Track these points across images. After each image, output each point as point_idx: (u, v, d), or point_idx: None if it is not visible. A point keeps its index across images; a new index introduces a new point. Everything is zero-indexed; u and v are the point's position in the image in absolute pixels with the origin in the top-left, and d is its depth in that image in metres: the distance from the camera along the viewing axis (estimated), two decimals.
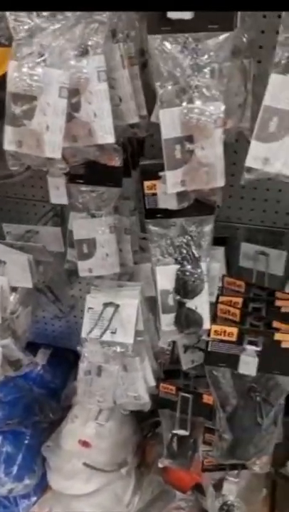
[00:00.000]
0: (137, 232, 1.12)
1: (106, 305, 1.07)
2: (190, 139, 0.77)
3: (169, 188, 0.80)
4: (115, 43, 0.81)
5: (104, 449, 1.34)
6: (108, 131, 0.79)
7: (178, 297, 0.94)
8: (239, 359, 0.93)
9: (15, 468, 1.39)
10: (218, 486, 1.14)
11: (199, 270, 0.93)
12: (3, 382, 1.30)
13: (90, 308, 1.09)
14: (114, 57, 0.81)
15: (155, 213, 0.92)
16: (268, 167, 0.74)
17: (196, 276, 0.93)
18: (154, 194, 0.90)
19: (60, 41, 0.76)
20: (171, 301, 0.95)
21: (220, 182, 0.79)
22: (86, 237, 1.02)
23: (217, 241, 1.02)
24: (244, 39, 0.83)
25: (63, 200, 0.99)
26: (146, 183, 0.89)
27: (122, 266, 1.07)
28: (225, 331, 0.93)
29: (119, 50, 0.81)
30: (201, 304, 0.94)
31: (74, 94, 0.78)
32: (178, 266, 0.94)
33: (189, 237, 0.93)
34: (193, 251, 0.93)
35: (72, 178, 0.98)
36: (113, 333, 1.06)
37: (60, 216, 1.28)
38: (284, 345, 0.91)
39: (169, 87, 0.76)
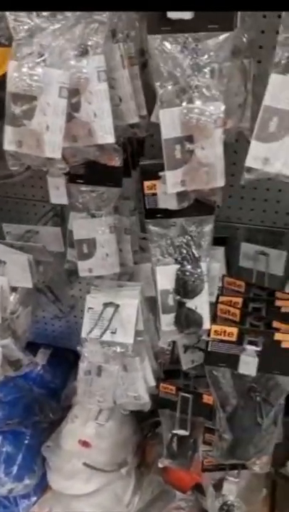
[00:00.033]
0: (137, 232, 1.13)
1: (106, 305, 1.07)
2: (190, 139, 0.77)
3: (169, 188, 0.80)
4: (115, 42, 0.81)
5: (104, 449, 1.34)
6: (108, 131, 0.79)
7: (178, 297, 0.94)
8: (239, 359, 0.93)
9: (15, 468, 1.39)
10: (218, 486, 1.14)
11: (199, 270, 0.93)
12: (3, 382, 1.30)
13: (90, 308, 1.09)
14: (114, 57, 0.81)
15: (155, 213, 0.92)
16: (268, 167, 0.74)
17: (196, 276, 0.93)
18: (154, 194, 0.90)
19: (60, 41, 0.76)
20: (171, 301, 0.95)
21: (220, 182, 0.79)
22: (86, 237, 1.02)
23: (217, 241, 1.01)
24: (244, 39, 0.83)
25: (63, 200, 0.99)
26: (147, 183, 0.89)
27: (122, 266, 1.07)
28: (225, 331, 0.93)
29: (119, 50, 0.81)
30: (201, 304, 0.94)
31: (74, 94, 0.78)
32: (178, 266, 0.94)
33: (189, 237, 0.93)
34: (193, 251, 0.93)
35: (72, 178, 0.98)
36: (113, 333, 1.06)
37: (60, 216, 1.28)
38: (284, 345, 0.91)
39: (169, 87, 0.76)
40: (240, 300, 0.99)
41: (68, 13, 0.75)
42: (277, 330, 0.93)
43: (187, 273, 0.93)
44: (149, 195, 0.90)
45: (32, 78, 0.76)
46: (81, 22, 0.75)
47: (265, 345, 0.91)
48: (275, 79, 0.71)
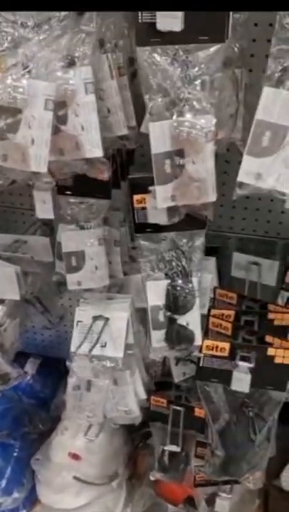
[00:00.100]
0: (127, 242, 1.10)
1: (95, 318, 1.05)
2: (180, 153, 0.75)
3: (159, 203, 0.78)
4: (103, 53, 0.78)
5: (95, 461, 1.31)
6: (96, 144, 0.77)
7: (169, 313, 0.92)
8: (232, 375, 0.91)
9: (3, 482, 1.36)
10: (210, 501, 1.12)
11: (190, 285, 0.91)
12: None
13: (79, 321, 1.06)
14: (103, 67, 0.79)
15: (145, 227, 0.90)
16: (260, 182, 0.72)
17: (187, 291, 0.91)
18: (144, 208, 0.88)
19: (46, 52, 0.73)
20: (161, 317, 0.93)
21: (212, 197, 0.77)
22: (75, 249, 1.00)
23: (208, 251, 1.00)
24: (235, 49, 0.81)
25: (50, 215, 0.96)
26: (136, 197, 0.87)
27: (111, 278, 1.05)
28: (217, 346, 0.91)
29: (108, 61, 0.79)
30: (192, 320, 0.92)
31: (61, 106, 0.75)
32: (168, 281, 0.92)
33: (180, 252, 0.91)
34: (184, 265, 0.91)
35: (60, 189, 0.96)
36: (103, 346, 1.04)
37: (48, 225, 1.26)
38: (277, 360, 0.90)
39: (159, 100, 0.74)
40: (232, 313, 0.98)
41: (54, 23, 0.72)
42: (270, 345, 0.92)
43: (178, 288, 0.91)
44: (138, 209, 0.88)
45: (17, 90, 0.73)
46: (67, 32, 0.73)
47: (257, 360, 0.89)
48: (267, 92, 0.69)
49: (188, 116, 0.74)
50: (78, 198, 0.97)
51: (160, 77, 0.72)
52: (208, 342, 0.91)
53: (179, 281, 0.91)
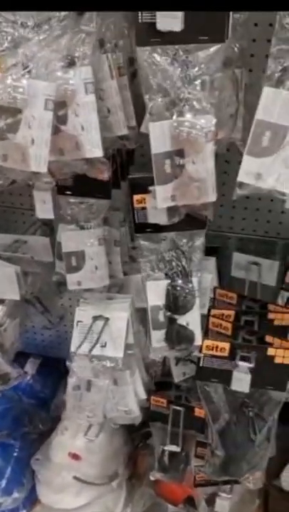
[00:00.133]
0: (127, 242, 1.10)
1: (95, 318, 1.05)
2: (180, 153, 0.75)
3: (159, 203, 0.78)
4: (103, 53, 0.78)
5: (95, 461, 1.31)
6: (96, 144, 0.77)
7: (169, 313, 0.92)
8: (232, 375, 0.91)
9: (3, 482, 1.36)
10: (210, 501, 1.12)
11: (190, 285, 0.91)
12: None
13: (79, 321, 1.06)
14: (103, 67, 0.79)
15: (145, 227, 0.90)
16: (260, 183, 0.72)
17: (187, 291, 0.91)
18: (144, 208, 0.88)
19: (46, 52, 0.73)
20: (161, 317, 0.93)
21: (212, 197, 0.77)
22: (75, 249, 1.00)
23: (208, 251, 1.00)
24: (235, 49, 0.81)
25: (50, 215, 0.96)
26: (136, 197, 0.87)
27: (111, 277, 1.05)
28: (217, 346, 0.91)
29: (108, 61, 0.79)
30: (192, 320, 0.92)
31: (61, 106, 0.75)
32: (168, 281, 0.92)
33: (180, 252, 0.91)
34: (184, 265, 0.91)
35: (60, 189, 0.95)
36: (103, 346, 1.04)
37: (49, 225, 1.25)
38: (277, 360, 0.89)
39: (159, 100, 0.74)
40: (232, 313, 0.98)
41: (54, 23, 0.72)
42: (270, 345, 0.91)
43: (178, 288, 0.91)
44: (138, 209, 0.88)
45: (17, 90, 0.73)
46: (67, 32, 0.73)
47: (258, 360, 0.89)
48: (267, 92, 0.69)
49: (188, 116, 0.74)
50: (78, 198, 0.97)
51: (160, 77, 0.72)
52: (208, 342, 0.91)
53: (179, 281, 0.91)
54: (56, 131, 0.76)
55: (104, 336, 1.04)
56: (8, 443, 1.41)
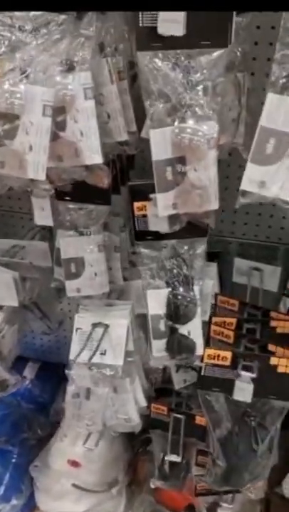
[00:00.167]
0: (127, 248, 1.09)
1: (95, 325, 1.03)
2: (182, 160, 0.73)
3: (160, 211, 0.77)
4: (103, 57, 0.77)
5: (95, 469, 1.30)
6: (95, 150, 0.75)
7: (170, 323, 0.90)
8: (234, 384, 0.89)
9: (2, 489, 1.34)
10: (211, 510, 1.11)
11: (192, 293, 0.90)
12: None
13: (78, 328, 1.05)
14: (102, 72, 0.77)
15: (145, 235, 0.88)
16: (264, 191, 0.70)
17: (188, 300, 0.89)
18: (145, 215, 0.86)
19: (44, 56, 0.71)
20: (162, 327, 0.92)
21: (214, 205, 0.75)
22: (74, 255, 0.98)
23: (210, 256, 0.98)
24: (238, 53, 0.79)
25: (48, 222, 0.95)
26: (136, 204, 0.85)
27: (111, 283, 1.03)
28: (219, 355, 0.89)
29: (108, 65, 0.77)
30: (193, 329, 0.91)
31: (59, 112, 0.73)
32: (169, 289, 0.90)
33: (181, 260, 0.89)
34: (186, 273, 0.89)
35: (59, 195, 0.94)
36: (102, 354, 1.02)
37: (48, 230, 1.24)
38: (280, 369, 0.88)
39: (160, 106, 0.72)
40: (234, 321, 0.96)
41: (53, 27, 0.71)
42: (273, 353, 0.90)
43: (179, 297, 0.90)
44: (139, 217, 0.86)
45: (14, 96, 0.71)
46: (66, 36, 0.71)
47: (260, 370, 0.88)
48: (271, 99, 0.67)
49: (190, 122, 0.72)
50: (77, 204, 0.95)
51: (161, 83, 0.71)
52: (209, 351, 0.89)
53: (180, 290, 0.90)
54: (55, 137, 0.74)
55: (103, 343, 1.02)
56: (7, 449, 1.40)
